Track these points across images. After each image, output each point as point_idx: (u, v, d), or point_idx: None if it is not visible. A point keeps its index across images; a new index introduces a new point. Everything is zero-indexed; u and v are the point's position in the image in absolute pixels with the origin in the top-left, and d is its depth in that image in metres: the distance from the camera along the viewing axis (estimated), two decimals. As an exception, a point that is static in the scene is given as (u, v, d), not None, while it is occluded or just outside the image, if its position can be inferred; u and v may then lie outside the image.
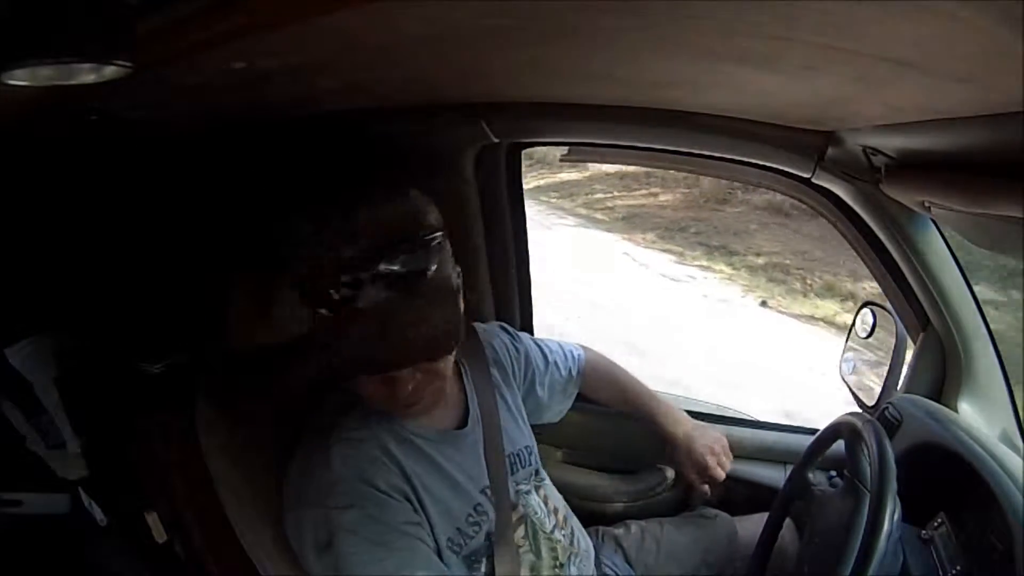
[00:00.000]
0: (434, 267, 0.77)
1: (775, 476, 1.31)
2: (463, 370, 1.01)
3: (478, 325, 1.12)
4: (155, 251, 1.17)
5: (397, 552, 0.80)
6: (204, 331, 0.98)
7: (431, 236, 0.77)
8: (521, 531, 0.94)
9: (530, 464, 1.02)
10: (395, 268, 0.74)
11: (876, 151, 0.91)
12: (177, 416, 0.97)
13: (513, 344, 1.13)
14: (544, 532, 0.96)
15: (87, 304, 1.14)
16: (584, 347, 1.24)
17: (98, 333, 1.15)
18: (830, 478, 1.06)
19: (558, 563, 0.96)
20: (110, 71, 0.54)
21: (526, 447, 1.03)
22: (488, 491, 0.92)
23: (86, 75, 0.54)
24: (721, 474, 1.16)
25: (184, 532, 1.03)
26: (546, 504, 1.01)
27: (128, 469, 1.05)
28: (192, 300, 1.06)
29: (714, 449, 1.16)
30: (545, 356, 1.16)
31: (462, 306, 0.81)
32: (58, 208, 1.11)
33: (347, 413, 0.88)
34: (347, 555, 0.79)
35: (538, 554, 0.95)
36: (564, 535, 1.00)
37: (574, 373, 1.19)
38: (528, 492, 0.99)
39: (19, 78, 0.53)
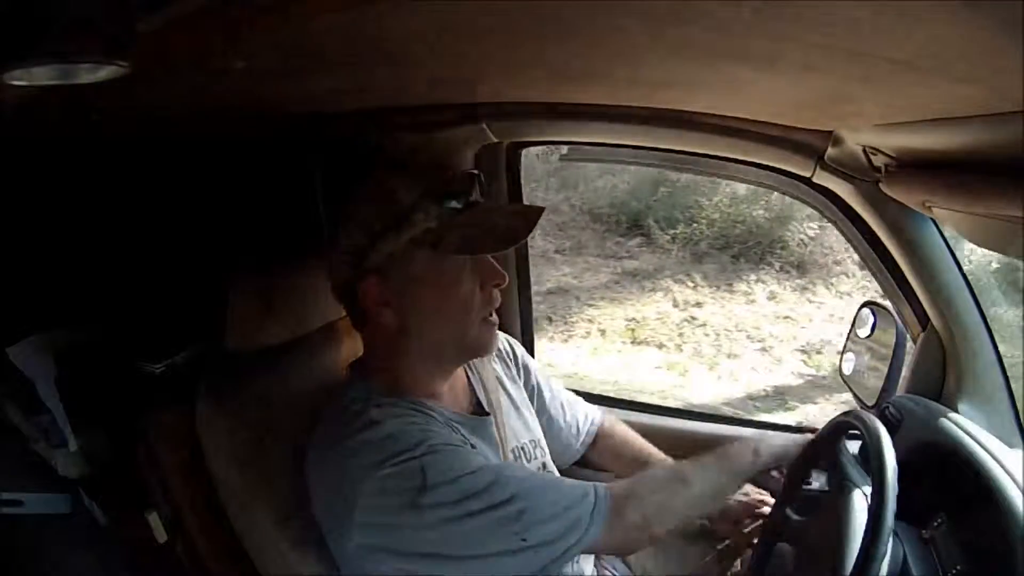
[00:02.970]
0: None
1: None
2: (468, 368, 1.00)
3: None
4: (156, 251, 1.17)
5: (475, 460, 0.81)
6: (204, 331, 0.98)
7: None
8: None
9: (536, 458, 1.01)
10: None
11: (876, 151, 0.91)
12: (177, 416, 0.97)
13: (512, 349, 1.13)
14: None
15: (88, 303, 1.14)
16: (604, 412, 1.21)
17: (98, 333, 1.15)
18: (830, 478, 1.06)
19: None
20: (110, 71, 0.54)
21: (531, 440, 1.02)
22: None
23: (86, 75, 0.54)
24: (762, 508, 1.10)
25: (184, 532, 1.03)
26: None
27: (128, 469, 1.05)
28: (193, 300, 1.06)
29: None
30: (552, 389, 1.15)
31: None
32: (59, 207, 1.11)
33: (367, 396, 0.87)
34: (440, 483, 0.76)
35: None
36: None
37: (582, 425, 1.16)
38: None
39: (19, 78, 0.53)
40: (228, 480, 0.94)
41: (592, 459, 1.18)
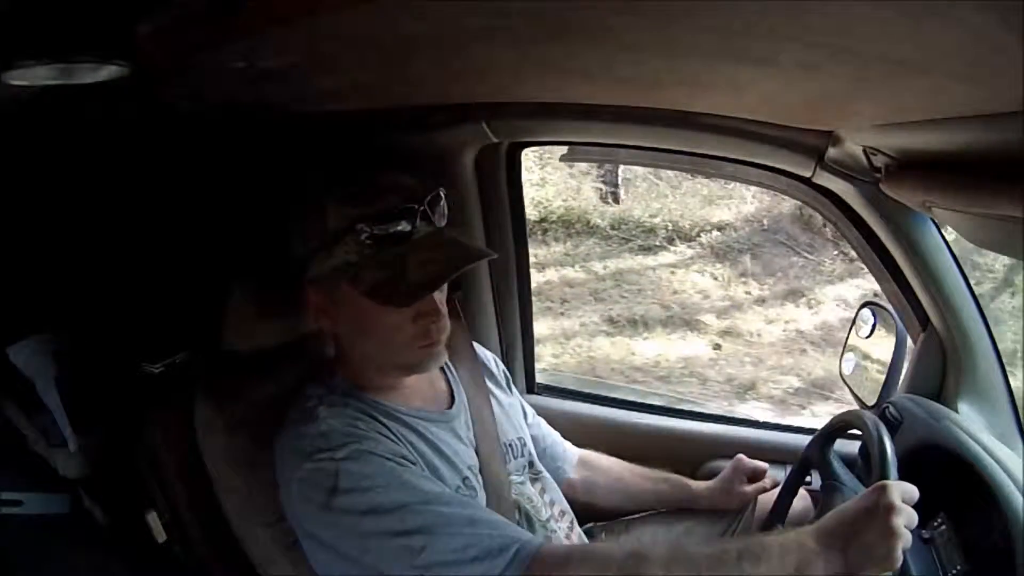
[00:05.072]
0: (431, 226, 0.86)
1: (775, 476, 1.31)
2: (446, 367, 1.00)
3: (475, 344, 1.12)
4: (155, 251, 1.17)
5: (401, 476, 0.79)
6: (204, 331, 0.98)
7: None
8: (515, 516, 0.93)
9: (522, 456, 1.01)
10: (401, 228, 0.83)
11: (876, 151, 0.91)
12: (177, 416, 0.97)
13: (498, 365, 1.13)
14: (539, 520, 0.96)
15: (87, 304, 1.14)
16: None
17: (98, 333, 1.15)
18: (821, 480, 1.06)
19: None
20: (110, 71, 0.54)
21: (519, 438, 1.02)
22: (475, 470, 0.91)
23: (86, 75, 0.54)
24: (761, 464, 1.14)
25: (184, 532, 1.03)
26: (542, 496, 1.00)
27: (128, 469, 1.05)
28: (192, 300, 1.06)
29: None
30: (534, 414, 1.15)
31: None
32: (59, 208, 1.11)
33: (324, 395, 0.88)
34: (352, 492, 0.77)
35: None
36: (561, 527, 0.99)
37: (567, 449, 1.17)
38: (522, 483, 0.98)
39: (19, 78, 0.53)
40: (226, 480, 0.94)
41: (576, 488, 1.16)
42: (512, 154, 1.34)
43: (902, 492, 0.74)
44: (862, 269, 4.10)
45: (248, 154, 1.19)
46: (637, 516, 1.19)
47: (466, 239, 0.89)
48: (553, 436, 1.17)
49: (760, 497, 1.14)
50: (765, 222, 4.59)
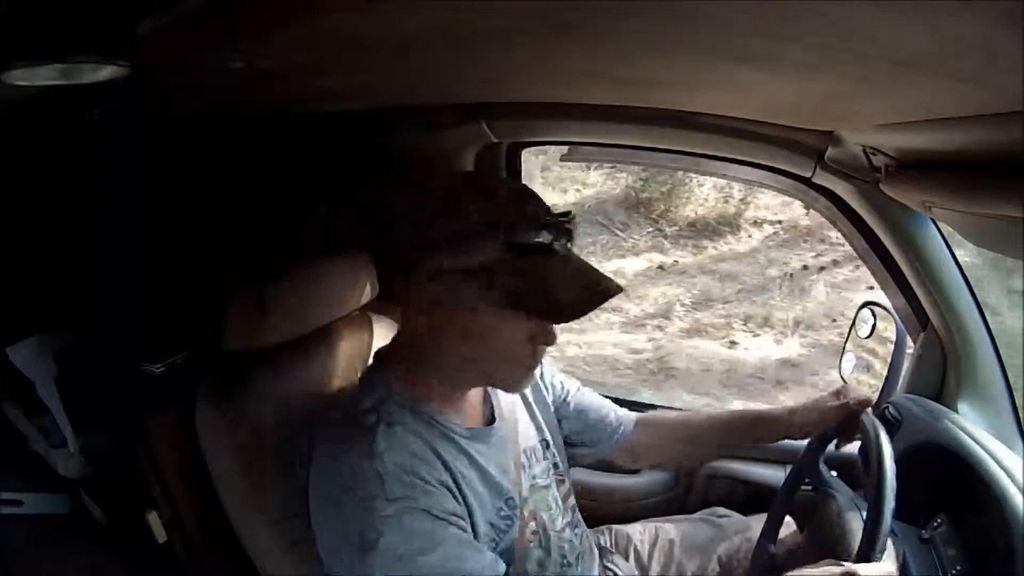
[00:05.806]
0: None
1: (775, 476, 1.32)
2: None
3: None
4: (156, 251, 1.17)
5: (442, 544, 0.76)
6: (204, 332, 0.98)
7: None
8: (532, 526, 0.92)
9: (546, 458, 0.99)
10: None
11: (876, 151, 0.91)
12: (177, 416, 0.97)
13: None
14: (555, 530, 0.95)
15: (87, 304, 1.14)
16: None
17: (98, 333, 1.15)
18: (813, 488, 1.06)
19: (566, 561, 0.95)
20: (110, 71, 0.54)
21: (542, 441, 1.00)
22: (514, 488, 0.89)
23: (86, 75, 0.54)
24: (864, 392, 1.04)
25: (184, 532, 1.03)
26: (564, 501, 0.99)
27: (128, 469, 1.05)
28: (192, 300, 1.06)
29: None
30: (577, 385, 1.11)
31: None
32: (59, 208, 1.11)
33: (381, 406, 0.83)
34: (393, 551, 0.74)
35: (547, 551, 0.93)
36: (576, 534, 0.99)
37: (619, 413, 1.12)
38: (547, 486, 0.97)
39: (19, 78, 0.53)
40: (227, 480, 0.93)
41: (636, 452, 1.14)
42: (512, 154, 1.34)
43: None
44: (669, 246, 4.50)
45: (248, 154, 1.19)
46: (656, 520, 1.21)
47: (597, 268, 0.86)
48: (603, 406, 1.12)
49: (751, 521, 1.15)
50: (588, 205, 4.75)
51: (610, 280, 0.83)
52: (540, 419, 1.03)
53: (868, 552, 0.79)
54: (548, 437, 1.02)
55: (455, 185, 0.83)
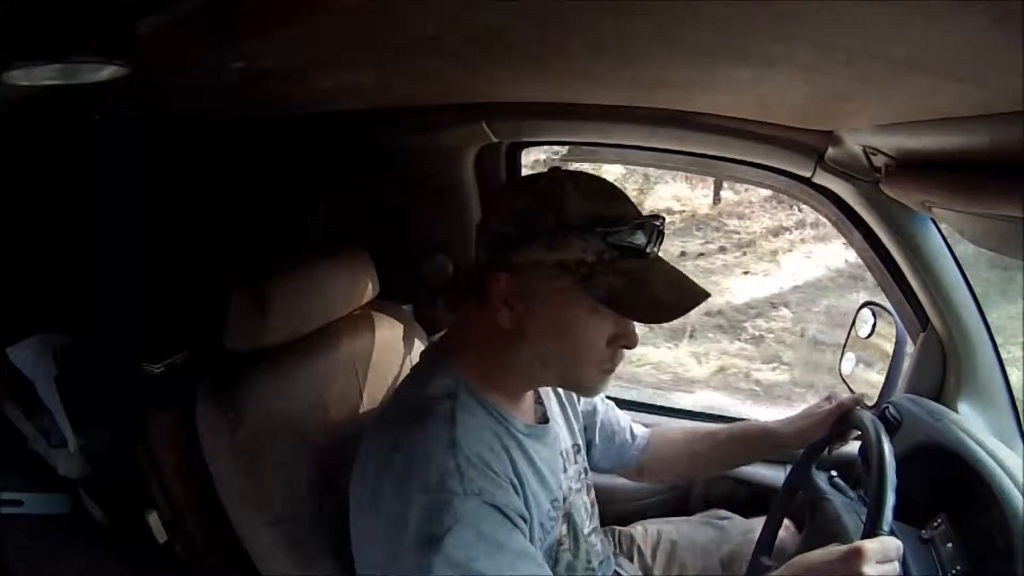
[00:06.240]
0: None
1: (775, 476, 1.32)
2: None
3: None
4: (156, 251, 1.17)
5: (509, 550, 0.74)
6: (204, 332, 0.98)
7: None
8: (564, 528, 0.91)
9: (577, 463, 0.99)
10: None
11: (876, 151, 0.91)
12: (177, 416, 0.97)
13: None
14: (583, 534, 0.95)
15: (87, 304, 1.14)
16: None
17: (98, 333, 1.15)
18: (830, 478, 1.06)
19: (590, 566, 0.95)
20: (110, 71, 0.54)
21: (574, 445, 1.00)
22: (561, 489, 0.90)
23: (86, 75, 0.54)
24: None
25: (184, 532, 1.03)
26: (591, 508, 0.99)
27: (128, 469, 1.05)
28: (193, 300, 1.06)
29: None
30: (602, 400, 1.11)
31: None
32: (59, 208, 1.11)
33: (453, 395, 0.82)
34: (459, 547, 0.71)
35: (575, 555, 0.92)
36: (599, 539, 0.99)
37: (635, 431, 1.13)
38: (579, 490, 0.97)
39: (19, 78, 0.53)
40: (227, 480, 0.93)
41: (648, 472, 1.15)
42: (512, 154, 1.34)
43: (882, 552, 0.74)
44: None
45: (248, 154, 1.19)
46: (659, 521, 1.23)
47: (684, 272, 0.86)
48: (625, 428, 1.13)
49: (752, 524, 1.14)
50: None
51: (697, 284, 0.82)
52: (574, 424, 1.03)
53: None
54: (580, 442, 1.02)
55: (551, 179, 0.82)
